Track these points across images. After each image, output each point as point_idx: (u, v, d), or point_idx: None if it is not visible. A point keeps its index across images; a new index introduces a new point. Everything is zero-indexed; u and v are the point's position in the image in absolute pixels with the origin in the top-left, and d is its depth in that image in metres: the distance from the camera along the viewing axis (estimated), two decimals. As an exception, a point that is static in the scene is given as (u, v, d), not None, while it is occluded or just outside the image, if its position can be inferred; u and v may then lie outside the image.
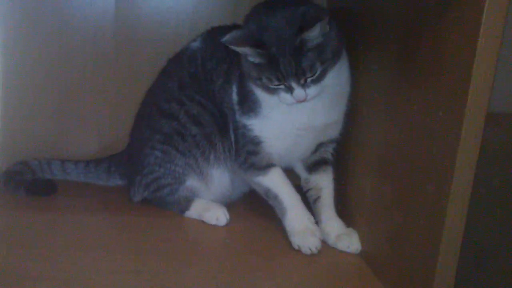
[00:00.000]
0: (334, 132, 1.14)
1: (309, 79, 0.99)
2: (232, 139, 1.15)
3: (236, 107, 1.12)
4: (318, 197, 1.13)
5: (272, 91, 1.02)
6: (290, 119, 1.07)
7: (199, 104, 1.16)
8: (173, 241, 1.08)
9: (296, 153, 1.15)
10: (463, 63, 0.73)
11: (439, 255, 0.78)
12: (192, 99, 1.16)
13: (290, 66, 0.96)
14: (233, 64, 1.12)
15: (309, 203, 1.15)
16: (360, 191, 1.07)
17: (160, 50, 1.34)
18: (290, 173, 1.16)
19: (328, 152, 1.17)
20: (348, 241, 1.05)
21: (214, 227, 1.15)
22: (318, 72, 0.98)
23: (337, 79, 1.06)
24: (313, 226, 1.07)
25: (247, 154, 1.11)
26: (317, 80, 0.99)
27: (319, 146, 1.16)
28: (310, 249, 1.03)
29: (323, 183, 1.15)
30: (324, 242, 1.07)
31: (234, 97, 1.12)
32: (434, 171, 0.80)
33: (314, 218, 1.10)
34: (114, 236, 1.11)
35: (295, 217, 1.08)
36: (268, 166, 1.12)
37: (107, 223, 1.16)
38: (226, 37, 0.99)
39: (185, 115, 1.16)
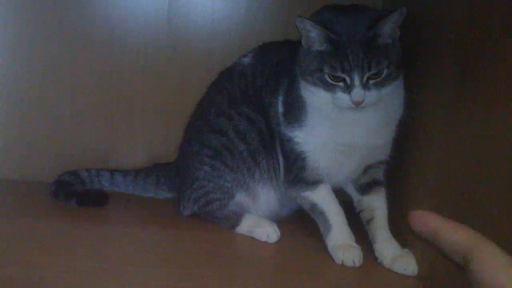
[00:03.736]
0: (381, 155, 1.13)
1: (371, 81, 0.97)
2: (280, 158, 1.15)
3: (281, 118, 1.11)
4: (372, 218, 1.11)
5: (329, 88, 0.99)
6: (333, 134, 1.06)
7: (247, 120, 1.16)
8: (222, 256, 1.07)
9: (343, 172, 1.13)
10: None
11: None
12: (240, 114, 1.16)
13: (358, 56, 0.95)
14: (281, 77, 1.12)
15: (362, 223, 1.13)
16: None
17: (210, 63, 1.36)
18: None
19: (379, 173, 1.15)
20: (405, 263, 1.02)
21: (264, 243, 1.13)
22: (383, 74, 0.97)
23: (389, 99, 1.04)
24: (355, 244, 1.07)
25: (298, 169, 1.11)
26: (379, 85, 0.98)
27: (368, 167, 1.14)
28: (354, 262, 1.03)
29: (376, 204, 1.13)
30: (379, 264, 1.05)
31: (280, 108, 1.12)
32: (500, 191, 0.76)
33: (368, 238, 1.09)
34: (163, 250, 1.11)
35: (339, 234, 1.08)
36: (316, 182, 1.11)
37: (156, 237, 1.16)
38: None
39: (233, 130, 1.16)
